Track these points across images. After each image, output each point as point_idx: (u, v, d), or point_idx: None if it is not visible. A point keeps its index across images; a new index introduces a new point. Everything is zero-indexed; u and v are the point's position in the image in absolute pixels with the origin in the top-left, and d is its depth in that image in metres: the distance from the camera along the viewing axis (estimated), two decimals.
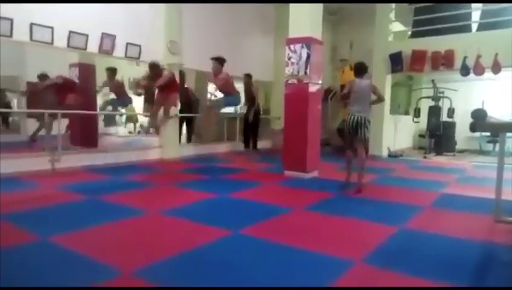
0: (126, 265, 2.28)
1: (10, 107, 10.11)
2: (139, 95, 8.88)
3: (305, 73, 5.57)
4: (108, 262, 2.32)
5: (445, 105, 9.50)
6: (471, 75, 7.68)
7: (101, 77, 8.57)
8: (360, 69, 4.86)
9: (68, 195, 4.18)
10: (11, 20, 4.99)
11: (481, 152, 9.77)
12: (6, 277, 2.09)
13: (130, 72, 12.76)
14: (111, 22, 6.28)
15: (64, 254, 2.48)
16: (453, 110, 9.39)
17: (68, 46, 5.74)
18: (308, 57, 5.54)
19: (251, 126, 7.95)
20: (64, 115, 6.13)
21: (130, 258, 2.41)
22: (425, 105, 10.03)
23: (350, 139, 4.78)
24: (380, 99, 4.95)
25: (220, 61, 6.67)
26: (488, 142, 9.71)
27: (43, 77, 7.02)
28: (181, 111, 7.85)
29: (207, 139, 8.96)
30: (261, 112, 8.39)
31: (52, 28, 5.45)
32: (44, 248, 2.58)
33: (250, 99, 7.84)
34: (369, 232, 3.14)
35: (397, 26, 9.41)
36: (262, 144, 9.70)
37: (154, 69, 6.36)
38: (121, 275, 2.17)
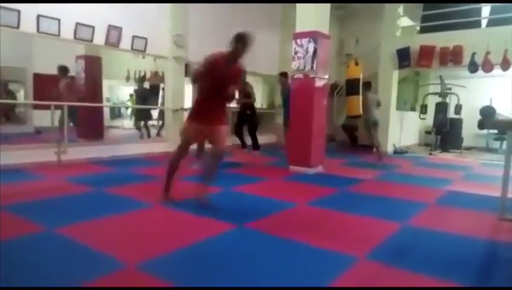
0: (130, 258, 2.30)
1: (15, 98, 10.19)
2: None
3: (312, 67, 5.54)
4: (113, 254, 2.34)
5: (452, 101, 9.41)
6: (480, 71, 7.59)
7: (106, 69, 8.61)
8: (368, 86, 7.16)
9: (74, 187, 4.21)
10: (18, 12, 5.00)
11: (488, 150, 9.69)
12: (12, 268, 2.12)
13: (136, 65, 12.83)
14: (117, 14, 6.27)
15: (70, 245, 2.50)
16: (460, 106, 9.29)
17: (75, 38, 5.75)
18: (315, 51, 5.50)
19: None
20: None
21: (135, 251, 2.43)
22: (432, 101, 9.94)
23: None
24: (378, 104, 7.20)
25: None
26: (495, 139, 9.61)
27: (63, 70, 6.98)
28: None
29: None
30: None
31: (59, 19, 5.46)
32: (50, 239, 2.61)
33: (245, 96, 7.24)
34: (373, 228, 3.13)
35: (405, 21, 9.31)
36: (266, 138, 9.69)
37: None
38: (125, 268, 2.19)
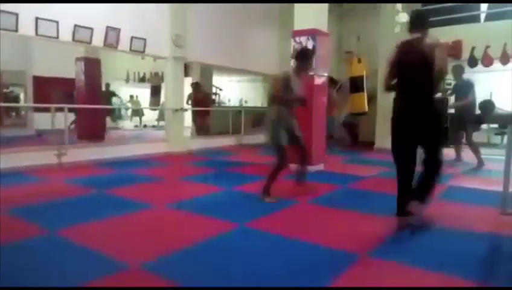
0: (134, 258, 2.30)
1: (17, 101, 10.20)
2: None
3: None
4: (116, 255, 2.34)
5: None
6: (479, 66, 7.57)
7: (106, 70, 8.60)
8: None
9: (75, 189, 4.22)
10: (17, 15, 5.00)
11: (489, 144, 9.66)
12: (15, 270, 2.13)
13: (135, 66, 12.84)
14: (116, 15, 6.27)
15: (72, 247, 2.51)
16: None
17: (73, 40, 5.75)
18: (314, 49, 5.48)
19: None
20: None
21: (137, 252, 2.43)
22: None
23: None
24: None
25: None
26: (496, 134, 9.58)
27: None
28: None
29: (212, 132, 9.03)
30: None
31: (57, 22, 5.45)
32: (53, 241, 2.61)
33: None
34: (375, 225, 3.12)
35: (405, 17, 9.29)
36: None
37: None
38: (129, 268, 2.19)
